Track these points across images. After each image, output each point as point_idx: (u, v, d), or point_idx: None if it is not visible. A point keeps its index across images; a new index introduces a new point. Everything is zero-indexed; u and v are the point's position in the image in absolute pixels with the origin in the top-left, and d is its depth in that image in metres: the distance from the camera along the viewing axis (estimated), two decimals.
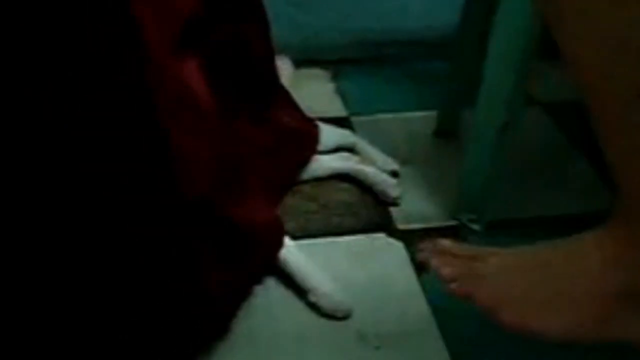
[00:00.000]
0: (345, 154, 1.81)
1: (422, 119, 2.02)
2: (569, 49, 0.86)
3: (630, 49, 0.79)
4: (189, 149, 1.21)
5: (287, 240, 1.52)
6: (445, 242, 1.19)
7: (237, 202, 1.38)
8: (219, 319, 1.36)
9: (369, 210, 1.71)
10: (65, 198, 1.12)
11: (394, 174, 1.79)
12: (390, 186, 1.73)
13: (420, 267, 1.56)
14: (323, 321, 1.44)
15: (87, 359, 1.20)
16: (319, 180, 1.77)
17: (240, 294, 1.43)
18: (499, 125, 1.54)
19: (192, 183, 1.23)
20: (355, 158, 1.81)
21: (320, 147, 1.80)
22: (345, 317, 1.44)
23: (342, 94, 2.11)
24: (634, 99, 0.82)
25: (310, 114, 1.85)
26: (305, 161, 1.76)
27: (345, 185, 1.77)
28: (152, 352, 1.25)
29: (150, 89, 1.11)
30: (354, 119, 2.01)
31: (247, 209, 1.41)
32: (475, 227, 1.66)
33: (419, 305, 1.48)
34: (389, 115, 2.04)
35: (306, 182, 1.76)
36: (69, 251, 1.15)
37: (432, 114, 1.99)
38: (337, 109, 2.05)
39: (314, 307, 1.45)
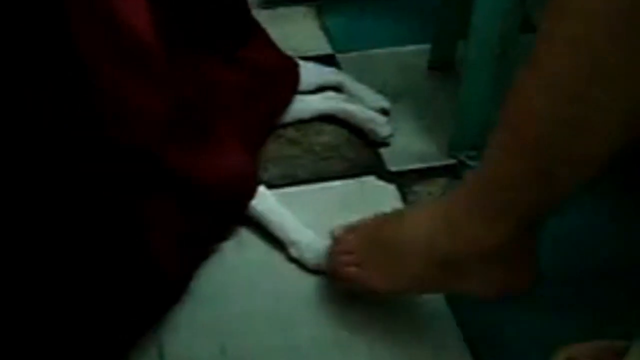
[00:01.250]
0: (330, 93, 1.65)
1: (415, 52, 1.86)
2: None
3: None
4: (120, 91, 1.07)
5: (262, 189, 1.38)
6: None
7: (196, 152, 1.24)
8: (170, 285, 1.23)
9: (358, 152, 1.56)
10: None
11: (384, 111, 1.63)
12: (380, 124, 1.58)
13: None
14: (307, 278, 1.32)
15: (31, 333, 1.07)
16: (302, 122, 1.62)
17: (196, 255, 1.30)
18: (494, 53, 1.40)
19: (126, 128, 1.09)
20: (341, 97, 1.65)
21: (303, 87, 1.65)
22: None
23: (326, 30, 1.94)
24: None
25: (292, 53, 1.69)
26: (285, 102, 1.60)
27: (331, 127, 1.62)
28: (98, 326, 1.12)
29: (69, 16, 0.96)
30: (339, 56, 1.85)
31: (210, 159, 1.28)
32: (476, 164, 1.51)
33: None
34: (378, 51, 1.88)
35: (289, 125, 1.61)
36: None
37: (425, 47, 1.82)
38: (322, 47, 1.88)
39: (296, 262, 1.33)
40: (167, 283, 1.21)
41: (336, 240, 1.24)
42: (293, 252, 1.33)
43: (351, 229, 1.23)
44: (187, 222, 1.23)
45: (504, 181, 1.01)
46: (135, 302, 1.16)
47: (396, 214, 1.22)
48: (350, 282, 1.20)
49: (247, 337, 1.22)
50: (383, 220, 1.20)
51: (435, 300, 1.28)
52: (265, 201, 1.37)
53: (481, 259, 1.06)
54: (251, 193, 1.35)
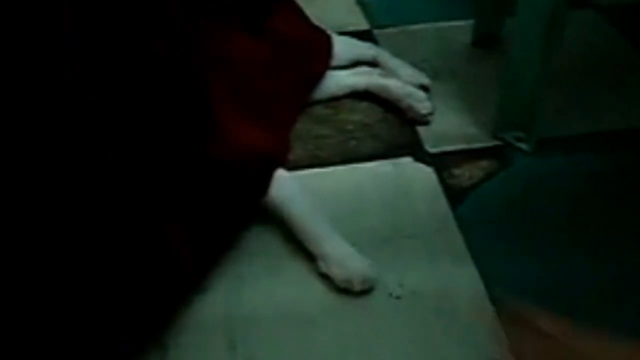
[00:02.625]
0: (365, 69, 1.52)
1: (457, 28, 1.73)
2: None
3: None
4: None
5: (286, 178, 1.24)
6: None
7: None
8: (185, 275, 1.11)
9: (392, 132, 1.43)
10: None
11: (424, 88, 1.49)
12: (419, 100, 1.44)
13: (455, 196, 1.28)
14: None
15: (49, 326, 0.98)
16: (333, 99, 1.49)
17: (214, 246, 1.17)
18: (543, 29, 1.27)
19: None
20: (376, 71, 1.51)
21: (336, 62, 1.52)
22: (367, 290, 1.14)
23: (363, 5, 1.82)
24: None
25: (326, 28, 1.56)
26: (315, 77, 1.48)
27: (364, 104, 1.49)
28: (114, 316, 1.02)
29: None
30: (377, 32, 1.72)
31: (229, 136, 1.16)
32: (523, 146, 1.38)
33: (454, 243, 1.20)
34: (418, 26, 1.75)
35: (319, 102, 1.48)
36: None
37: (468, 23, 1.69)
38: (358, 22, 1.76)
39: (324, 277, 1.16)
40: (183, 274, 1.09)
41: None
42: (322, 267, 1.15)
43: None
44: (205, 213, 1.11)
45: None
46: (151, 292, 1.05)
47: None
48: None
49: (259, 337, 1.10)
50: None
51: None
52: (286, 187, 1.22)
53: None
54: (272, 171, 1.22)
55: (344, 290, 1.13)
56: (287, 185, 1.23)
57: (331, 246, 1.16)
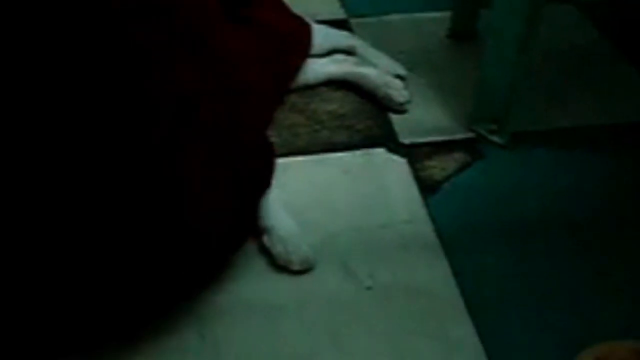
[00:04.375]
0: (340, 56, 1.51)
1: (434, 20, 1.72)
2: None
3: None
4: None
5: None
6: None
7: None
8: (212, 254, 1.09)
9: (367, 123, 1.42)
10: None
11: (400, 79, 1.49)
12: (396, 89, 1.44)
13: (428, 188, 1.28)
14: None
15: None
16: (309, 88, 1.48)
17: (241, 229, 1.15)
18: (520, 21, 1.27)
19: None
20: (352, 60, 1.50)
21: (313, 50, 1.50)
22: (303, 270, 1.14)
23: None
24: None
25: (304, 17, 1.55)
26: (295, 68, 1.46)
27: (338, 93, 1.49)
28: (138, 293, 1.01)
29: None
30: (353, 21, 1.71)
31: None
32: (497, 139, 1.38)
33: (425, 233, 1.20)
34: (395, 17, 1.74)
35: (294, 91, 1.47)
36: None
37: (444, 15, 1.69)
38: (334, 11, 1.75)
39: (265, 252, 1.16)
40: (209, 252, 1.07)
41: None
42: (266, 241, 1.16)
43: None
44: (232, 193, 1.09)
45: None
46: (178, 270, 1.03)
47: None
48: None
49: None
50: None
51: None
52: None
53: None
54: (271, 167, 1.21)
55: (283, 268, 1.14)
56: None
57: (277, 222, 1.16)
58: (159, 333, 1.06)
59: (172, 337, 1.06)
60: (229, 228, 1.08)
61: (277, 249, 1.14)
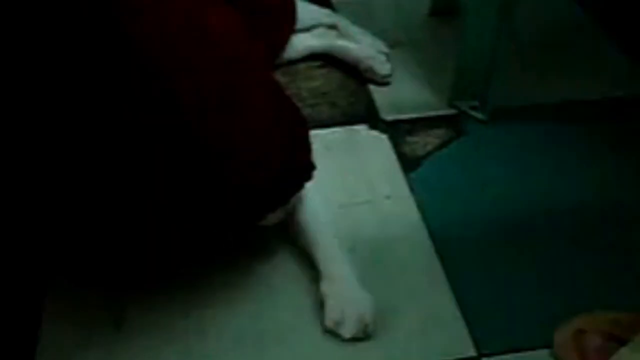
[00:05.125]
0: (322, 30, 1.51)
1: None
2: None
3: None
4: None
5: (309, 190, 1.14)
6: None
7: None
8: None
9: (349, 99, 1.42)
10: None
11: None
12: (379, 62, 1.44)
13: (409, 164, 1.29)
14: None
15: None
16: (292, 64, 1.48)
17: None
18: None
19: None
20: (334, 34, 1.51)
21: (296, 27, 1.50)
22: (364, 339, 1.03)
23: None
24: None
25: None
26: (280, 45, 1.46)
27: (321, 71, 1.49)
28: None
29: None
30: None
31: None
32: (478, 115, 1.38)
33: (407, 209, 1.21)
34: None
35: (277, 67, 1.47)
36: None
37: None
38: None
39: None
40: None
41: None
42: (325, 290, 1.05)
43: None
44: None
45: None
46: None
47: None
48: None
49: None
50: None
51: None
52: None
53: None
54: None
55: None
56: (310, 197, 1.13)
57: (339, 270, 1.06)
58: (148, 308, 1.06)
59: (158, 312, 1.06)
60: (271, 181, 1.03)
61: (334, 315, 1.02)
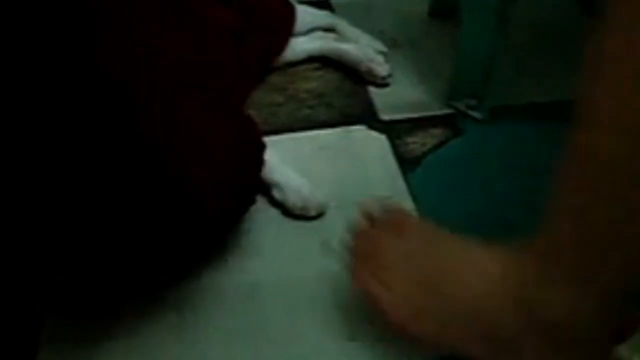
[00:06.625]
0: (320, 33, 1.51)
1: None
2: None
3: None
4: None
5: None
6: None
7: None
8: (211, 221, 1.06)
9: (346, 100, 1.42)
10: None
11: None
12: (378, 63, 1.44)
13: (407, 164, 1.29)
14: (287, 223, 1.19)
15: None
16: (290, 66, 1.48)
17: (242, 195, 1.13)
18: None
19: None
20: (331, 36, 1.51)
21: (294, 30, 1.50)
22: (318, 215, 1.19)
23: None
24: None
25: None
26: (278, 49, 1.46)
27: (319, 72, 1.49)
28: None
29: None
30: (334, 0, 1.70)
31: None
32: (476, 114, 1.38)
33: (404, 208, 1.20)
34: None
35: (273, 70, 1.47)
36: None
37: None
38: None
39: (277, 205, 1.20)
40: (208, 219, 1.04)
41: (366, 231, 0.98)
42: (277, 194, 1.20)
43: (392, 224, 0.97)
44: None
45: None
46: (175, 238, 1.01)
47: (458, 245, 0.92)
48: (372, 303, 0.93)
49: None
50: (436, 242, 0.93)
51: None
52: None
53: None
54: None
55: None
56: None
57: (284, 176, 1.20)
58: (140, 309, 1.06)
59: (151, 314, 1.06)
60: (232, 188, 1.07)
61: (292, 199, 1.18)
